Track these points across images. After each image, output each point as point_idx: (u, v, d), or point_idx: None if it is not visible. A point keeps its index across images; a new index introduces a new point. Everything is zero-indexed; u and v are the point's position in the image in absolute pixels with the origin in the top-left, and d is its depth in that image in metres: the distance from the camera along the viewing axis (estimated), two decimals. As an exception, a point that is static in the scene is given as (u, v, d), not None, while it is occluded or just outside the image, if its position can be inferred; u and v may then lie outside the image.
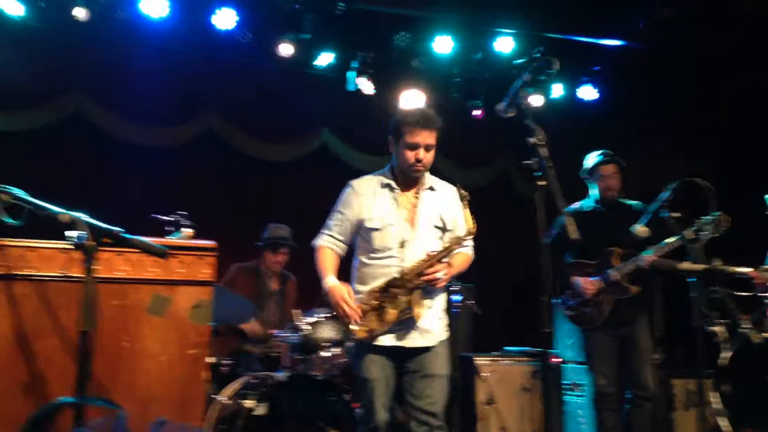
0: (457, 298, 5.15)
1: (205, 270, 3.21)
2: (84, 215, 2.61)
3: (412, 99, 7.04)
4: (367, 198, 3.62)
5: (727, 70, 7.17)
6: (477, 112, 7.25)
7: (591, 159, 5.10)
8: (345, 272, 3.72)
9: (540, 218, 2.92)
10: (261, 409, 4.27)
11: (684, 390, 5.44)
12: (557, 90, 7.40)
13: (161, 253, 2.76)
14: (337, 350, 4.84)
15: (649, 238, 4.23)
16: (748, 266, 4.26)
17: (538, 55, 3.12)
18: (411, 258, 3.48)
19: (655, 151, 7.74)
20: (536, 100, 7.15)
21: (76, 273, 2.81)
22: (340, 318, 3.54)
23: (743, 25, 6.71)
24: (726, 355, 3.41)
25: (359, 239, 3.67)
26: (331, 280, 3.55)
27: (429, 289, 3.52)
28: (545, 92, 7.35)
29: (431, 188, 3.66)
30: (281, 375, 4.52)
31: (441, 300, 3.65)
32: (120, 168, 6.45)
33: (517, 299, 6.48)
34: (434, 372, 3.53)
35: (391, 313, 3.44)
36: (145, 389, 3.06)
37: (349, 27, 6.60)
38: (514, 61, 6.84)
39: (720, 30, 6.82)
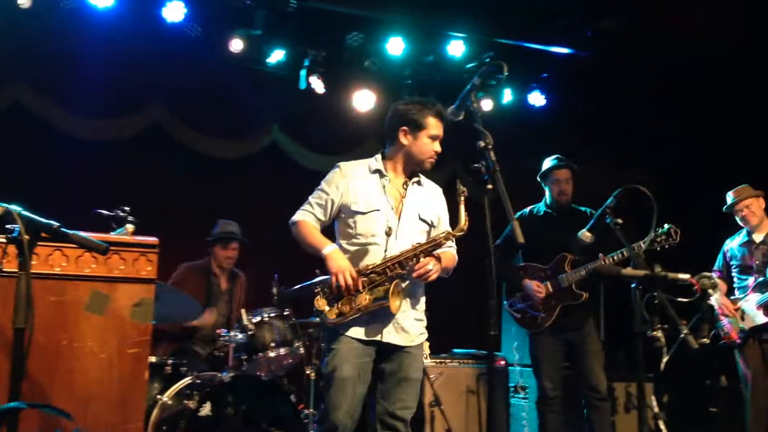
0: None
1: (146, 267, 3.13)
2: (19, 208, 2.52)
3: (363, 99, 7.05)
4: (355, 181, 3.51)
5: (670, 79, 7.36)
6: (428, 115, 7.26)
7: (546, 163, 5.15)
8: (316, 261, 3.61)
9: (487, 221, 2.92)
10: (205, 410, 4.20)
11: (625, 393, 5.56)
12: (507, 95, 7.49)
13: (102, 249, 2.68)
14: (283, 350, 4.80)
15: (595, 244, 4.30)
16: (687, 271, 4.36)
17: (489, 59, 3.10)
18: (395, 248, 3.37)
19: (600, 158, 7.88)
20: (486, 105, 7.23)
21: (11, 268, 2.71)
22: (330, 290, 3.32)
23: (682, 38, 6.91)
24: (665, 359, 3.50)
25: (340, 224, 3.55)
26: (330, 246, 3.39)
27: (412, 288, 3.44)
28: (495, 97, 7.44)
29: (419, 182, 3.61)
30: (226, 375, 4.46)
31: (422, 301, 3.56)
32: (62, 161, 6.26)
33: (465, 301, 6.53)
34: (410, 376, 3.43)
35: (365, 299, 3.29)
36: (83, 389, 2.97)
37: (301, 25, 6.56)
38: (466, 65, 6.94)
39: (661, 41, 7.02)
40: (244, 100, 6.87)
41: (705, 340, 3.89)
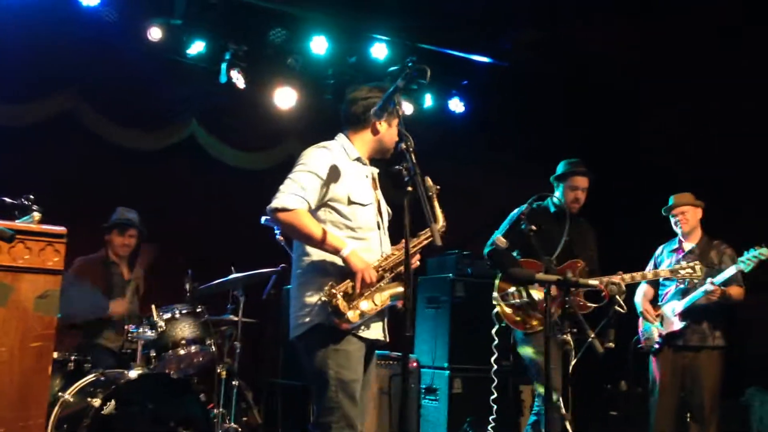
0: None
1: (53, 258, 2.99)
2: None
3: (284, 97, 6.99)
4: (345, 167, 3.23)
5: (583, 92, 7.64)
6: (349, 116, 7.26)
7: (566, 165, 4.97)
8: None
9: (407, 222, 2.94)
10: (109, 408, 4.06)
11: (531, 395, 5.70)
12: (428, 100, 7.59)
13: (7, 236, 2.56)
14: (194, 348, 4.70)
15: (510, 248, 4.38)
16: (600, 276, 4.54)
17: (411, 63, 3.09)
18: (383, 243, 3.22)
19: (516, 165, 8.11)
20: (407, 108, 7.29)
21: None
22: (352, 290, 3.03)
23: (596, 54, 7.20)
24: (573, 362, 3.60)
25: (326, 213, 3.19)
26: (350, 245, 3.07)
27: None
28: (417, 101, 7.51)
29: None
30: (133, 372, 4.32)
31: None
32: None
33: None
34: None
35: (383, 297, 3.09)
36: (-21, 384, 2.82)
37: (223, 17, 6.45)
38: (389, 68, 6.98)
39: (573, 54, 7.29)
40: (161, 91, 6.69)
41: (610, 344, 4.02)
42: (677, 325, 5.06)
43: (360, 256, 3.09)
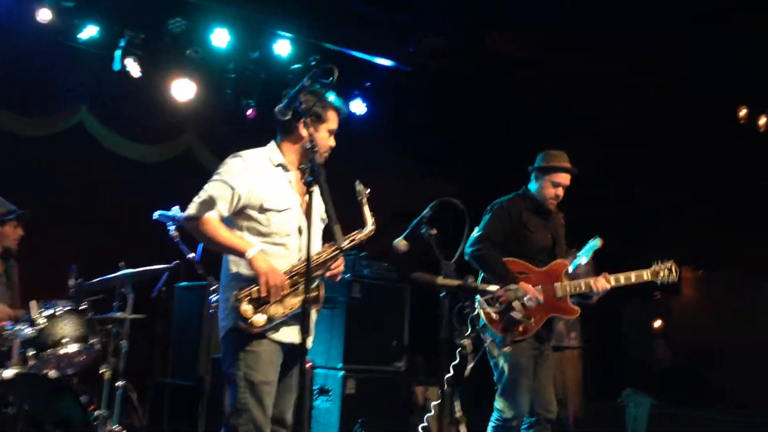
0: (213, 298, 5.01)
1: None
2: None
3: (182, 89, 6.79)
4: (261, 175, 3.25)
5: (485, 99, 7.83)
6: (249, 112, 7.15)
7: (551, 159, 4.57)
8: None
9: (311, 222, 2.93)
10: (-20, 410, 3.81)
11: (423, 396, 5.78)
12: (323, 95, 7.53)
13: None
14: (76, 347, 4.48)
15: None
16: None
17: (314, 62, 3.07)
18: (305, 247, 3.11)
19: (415, 168, 8.22)
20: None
21: None
22: (258, 293, 3.03)
23: (497, 60, 7.41)
24: (470, 366, 3.66)
25: (243, 220, 3.24)
26: (255, 248, 3.10)
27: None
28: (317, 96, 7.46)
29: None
30: (8, 372, 4.06)
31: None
32: None
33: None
34: (297, 382, 3.27)
35: (294, 301, 3.09)
36: None
37: (119, 2, 6.23)
38: (291, 66, 6.91)
39: (479, 62, 7.47)
40: (49, 75, 6.39)
41: (507, 349, 4.10)
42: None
43: (265, 260, 3.10)
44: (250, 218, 3.23)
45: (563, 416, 5.20)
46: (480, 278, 4.45)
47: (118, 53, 6.40)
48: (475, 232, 4.44)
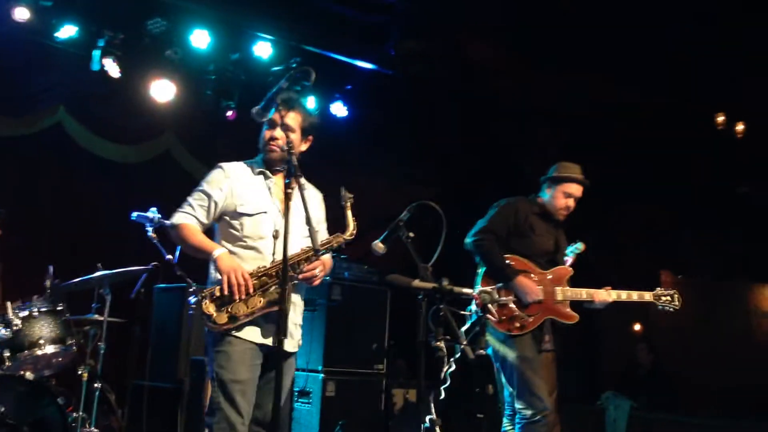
0: (192, 299, 4.98)
1: None
2: None
3: (162, 89, 6.75)
4: (239, 182, 3.38)
5: (462, 107, 7.88)
6: (229, 113, 7.13)
7: (566, 170, 4.62)
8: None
9: (289, 224, 2.94)
10: (-46, 413, 3.77)
11: (403, 399, 5.79)
12: (311, 103, 7.56)
13: None
14: (53, 348, 4.44)
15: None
16: (463, 285, 4.61)
17: (295, 65, 3.08)
18: (278, 250, 3.22)
19: (393, 172, 8.24)
20: (311, 105, 7.23)
21: None
22: (220, 293, 3.12)
23: (476, 66, 7.46)
24: (446, 368, 3.67)
25: (222, 226, 3.39)
26: (220, 249, 3.24)
27: (295, 291, 3.33)
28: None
29: (302, 185, 3.35)
30: (-18, 374, 4.03)
31: (301, 306, 3.46)
32: None
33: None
34: (287, 384, 3.35)
35: (259, 301, 3.14)
36: None
37: (97, 1, 6.18)
38: (272, 68, 6.90)
39: (456, 67, 7.52)
40: (27, 74, 6.33)
41: (481, 351, 4.13)
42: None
43: (230, 260, 3.21)
44: (227, 224, 3.36)
45: None
46: (482, 271, 4.47)
47: (96, 53, 6.35)
48: (480, 224, 4.48)
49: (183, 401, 5.46)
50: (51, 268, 4.69)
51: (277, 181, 3.43)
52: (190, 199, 3.42)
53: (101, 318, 4.89)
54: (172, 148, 7.25)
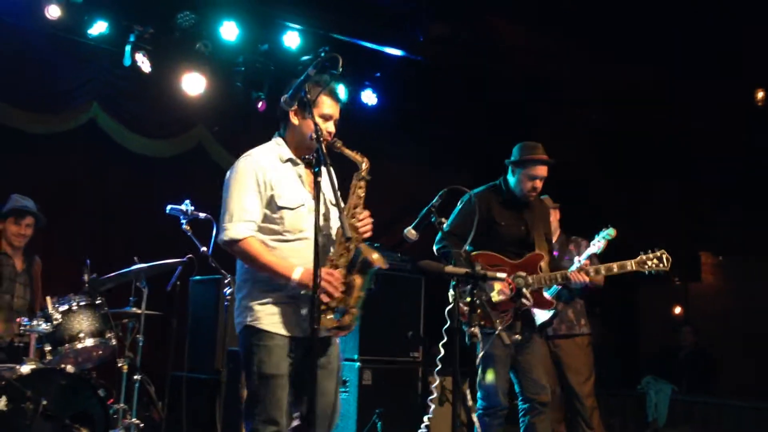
0: (227, 291, 5.02)
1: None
2: None
3: (192, 83, 6.79)
4: (273, 173, 3.20)
5: (492, 88, 7.79)
6: (260, 104, 7.14)
7: (526, 151, 4.50)
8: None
9: (317, 212, 2.92)
10: (0, 405, 3.84)
11: (440, 386, 5.76)
12: (341, 91, 7.53)
13: None
14: (92, 342, 4.50)
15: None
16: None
17: (324, 53, 3.04)
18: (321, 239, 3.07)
19: (422, 157, 8.20)
20: (341, 94, 7.22)
21: None
22: (326, 304, 3.04)
23: (506, 51, 7.37)
24: (481, 354, 3.64)
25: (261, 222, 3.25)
26: (298, 270, 3.07)
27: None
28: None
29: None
30: (25, 368, 4.09)
31: None
32: None
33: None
34: (339, 368, 3.28)
35: (358, 288, 3.11)
36: None
37: (127, -3, 6.21)
38: (301, 58, 6.88)
39: (486, 52, 7.43)
40: (60, 72, 6.40)
41: (517, 336, 4.09)
42: (545, 315, 5.03)
43: (307, 273, 3.04)
44: (265, 217, 3.20)
45: (577, 403, 5.19)
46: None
47: (128, 49, 6.40)
48: (443, 229, 4.23)
49: (221, 391, 5.50)
50: (88, 262, 4.76)
51: (305, 169, 3.31)
52: (234, 203, 3.17)
53: (139, 311, 4.94)
54: (203, 140, 7.30)
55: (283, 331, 3.15)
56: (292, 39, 6.89)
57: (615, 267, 4.47)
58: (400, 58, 7.55)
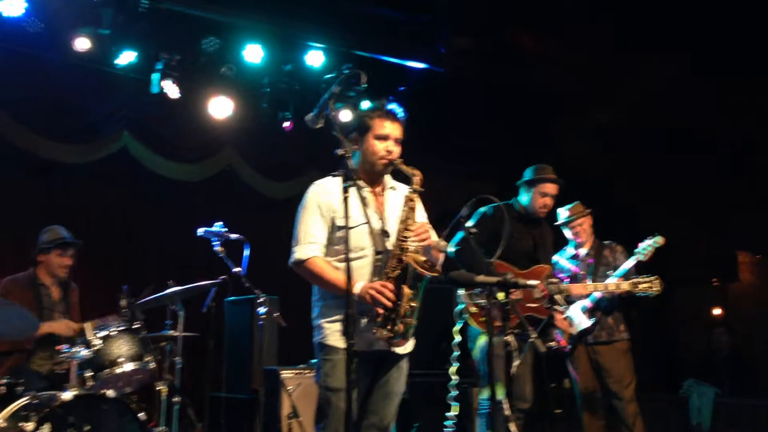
0: (261, 310, 5.06)
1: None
2: None
3: (219, 106, 6.88)
4: (336, 196, 3.32)
5: (516, 101, 7.77)
6: (286, 124, 7.21)
7: (538, 171, 4.94)
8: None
9: (347, 231, 2.95)
10: (43, 432, 3.90)
11: (477, 397, 5.71)
12: (366, 106, 7.56)
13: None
14: (132, 366, 4.56)
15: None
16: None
17: (347, 70, 3.09)
18: (382, 258, 3.26)
19: (449, 169, 8.19)
20: (345, 116, 7.25)
21: None
22: (380, 314, 3.15)
23: (529, 62, 7.36)
24: (517, 363, 3.63)
25: None
26: (359, 285, 3.18)
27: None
28: (355, 108, 7.48)
29: (392, 188, 3.50)
30: (67, 394, 4.16)
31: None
32: None
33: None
34: (397, 388, 3.40)
35: (409, 298, 3.16)
36: None
37: (153, 26, 6.31)
38: (325, 76, 6.95)
39: (508, 63, 7.43)
40: (90, 102, 6.54)
41: (552, 343, 4.09)
42: (587, 322, 5.17)
43: (363, 287, 3.18)
44: (330, 239, 3.35)
45: (620, 409, 5.14)
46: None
47: (155, 76, 6.50)
48: (460, 234, 4.58)
49: (259, 410, 5.53)
50: (125, 288, 4.83)
51: (369, 191, 3.42)
52: (302, 227, 3.36)
53: (176, 333, 4.99)
54: (233, 162, 7.38)
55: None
56: (315, 58, 6.96)
57: (611, 286, 4.88)
58: (423, 71, 7.58)
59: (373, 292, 3.13)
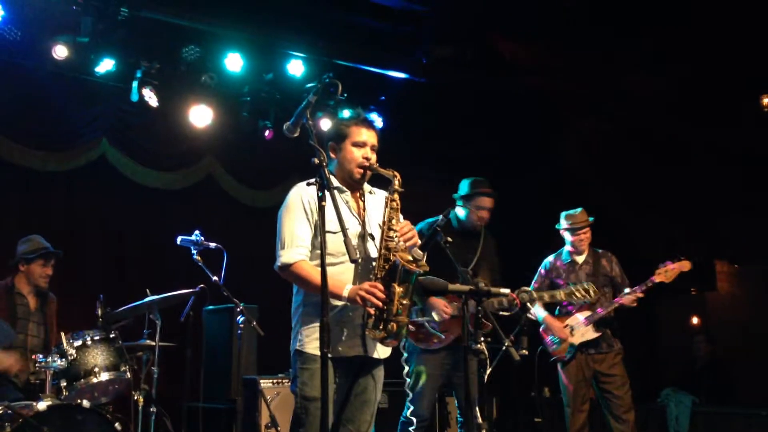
0: (240, 319, 5.04)
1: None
2: None
3: (200, 115, 6.87)
4: (318, 200, 3.25)
5: (497, 106, 7.82)
6: (267, 133, 7.20)
7: (472, 186, 4.96)
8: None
9: (322, 239, 2.95)
10: (15, 443, 3.86)
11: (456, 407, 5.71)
12: (346, 116, 7.55)
13: None
14: (108, 376, 4.52)
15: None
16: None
17: (328, 79, 3.10)
18: (363, 262, 3.27)
19: (429, 178, 8.21)
20: (325, 125, 7.26)
21: None
22: (372, 315, 3.14)
23: (509, 67, 7.40)
24: (489, 371, 3.63)
25: None
26: (347, 287, 3.19)
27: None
28: (335, 117, 7.49)
29: (370, 192, 3.52)
30: (42, 404, 4.12)
31: None
32: None
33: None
34: (374, 398, 3.38)
35: (401, 297, 3.15)
36: None
37: (133, 34, 6.29)
38: (306, 85, 6.96)
39: (488, 70, 7.47)
40: (68, 110, 6.50)
41: (524, 351, 4.10)
42: (592, 334, 5.26)
43: (352, 288, 3.19)
44: (313, 242, 3.34)
45: (616, 416, 5.25)
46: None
47: (135, 84, 6.48)
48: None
49: (237, 420, 5.49)
50: (101, 297, 4.80)
51: (350, 196, 3.44)
52: (287, 231, 3.34)
53: (153, 343, 4.96)
54: (213, 171, 7.36)
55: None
56: (296, 67, 6.96)
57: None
58: (404, 80, 7.60)
59: (363, 293, 3.12)
